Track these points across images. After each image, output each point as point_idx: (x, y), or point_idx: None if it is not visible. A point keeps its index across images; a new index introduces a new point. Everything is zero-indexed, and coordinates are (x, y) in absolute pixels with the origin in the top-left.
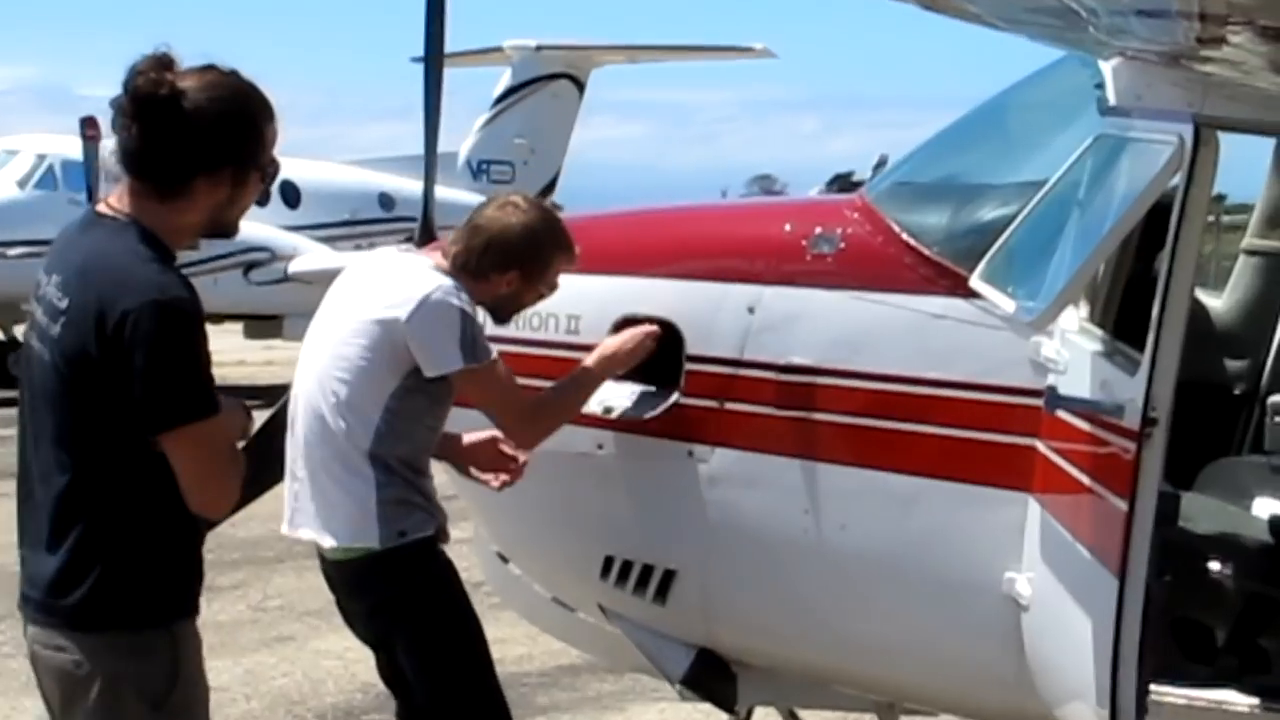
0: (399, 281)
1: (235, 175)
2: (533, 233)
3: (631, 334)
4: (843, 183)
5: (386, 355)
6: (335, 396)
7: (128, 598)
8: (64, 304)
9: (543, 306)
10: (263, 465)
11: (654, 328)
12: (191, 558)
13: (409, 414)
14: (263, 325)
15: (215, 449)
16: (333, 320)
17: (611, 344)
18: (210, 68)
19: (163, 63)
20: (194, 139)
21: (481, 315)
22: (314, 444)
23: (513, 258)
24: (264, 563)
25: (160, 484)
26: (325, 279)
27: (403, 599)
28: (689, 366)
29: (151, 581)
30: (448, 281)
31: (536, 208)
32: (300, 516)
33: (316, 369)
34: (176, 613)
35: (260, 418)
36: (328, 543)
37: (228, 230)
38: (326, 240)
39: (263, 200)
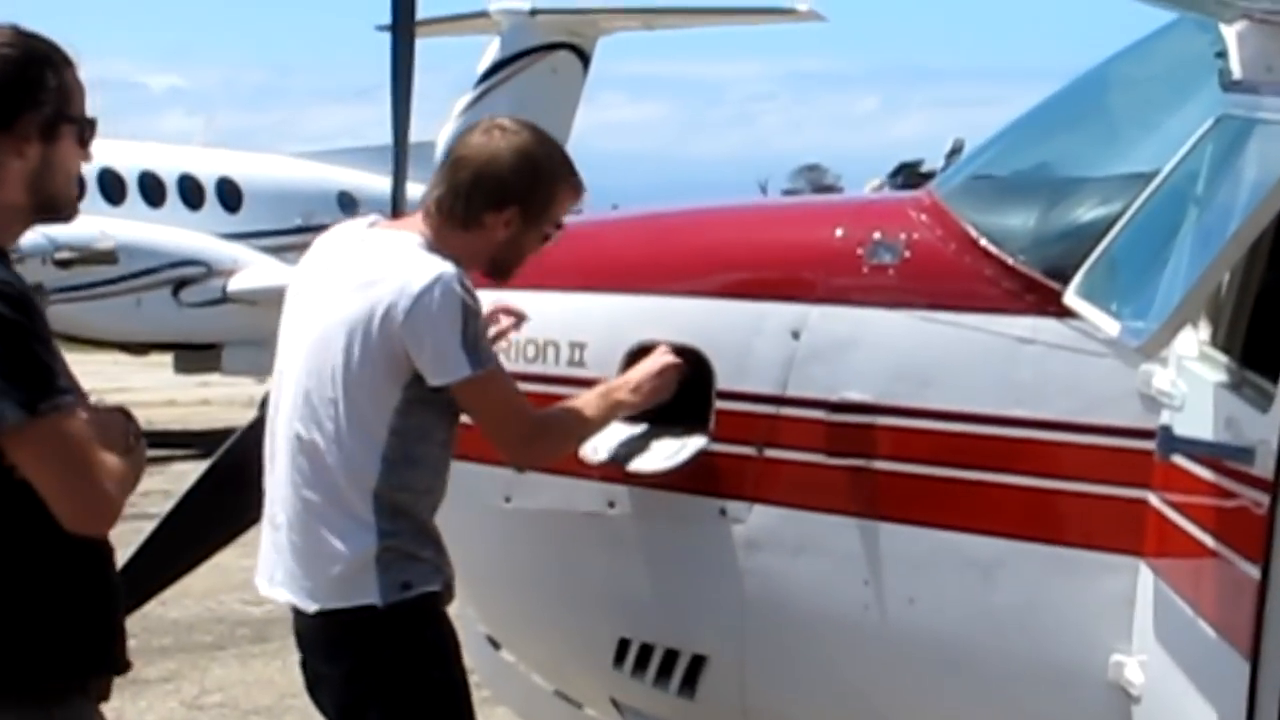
0: (385, 268)
1: (42, 130)
2: (529, 158)
3: (657, 363)
4: (909, 174)
5: (383, 364)
6: (330, 422)
7: None
8: None
9: (540, 333)
10: (224, 508)
11: (676, 359)
12: (79, 612)
13: (419, 432)
14: (197, 356)
15: (72, 445)
16: (307, 325)
17: (634, 373)
18: None
19: None
20: None
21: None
22: (300, 483)
23: (509, 190)
24: (200, 649)
25: (21, 517)
26: (273, 299)
27: (391, 664)
28: (720, 405)
29: (14, 638)
30: (448, 268)
31: (528, 129)
32: (282, 573)
33: (295, 390)
34: (51, 676)
35: (193, 469)
36: (314, 605)
37: (59, 207)
38: (274, 251)
39: (116, 197)
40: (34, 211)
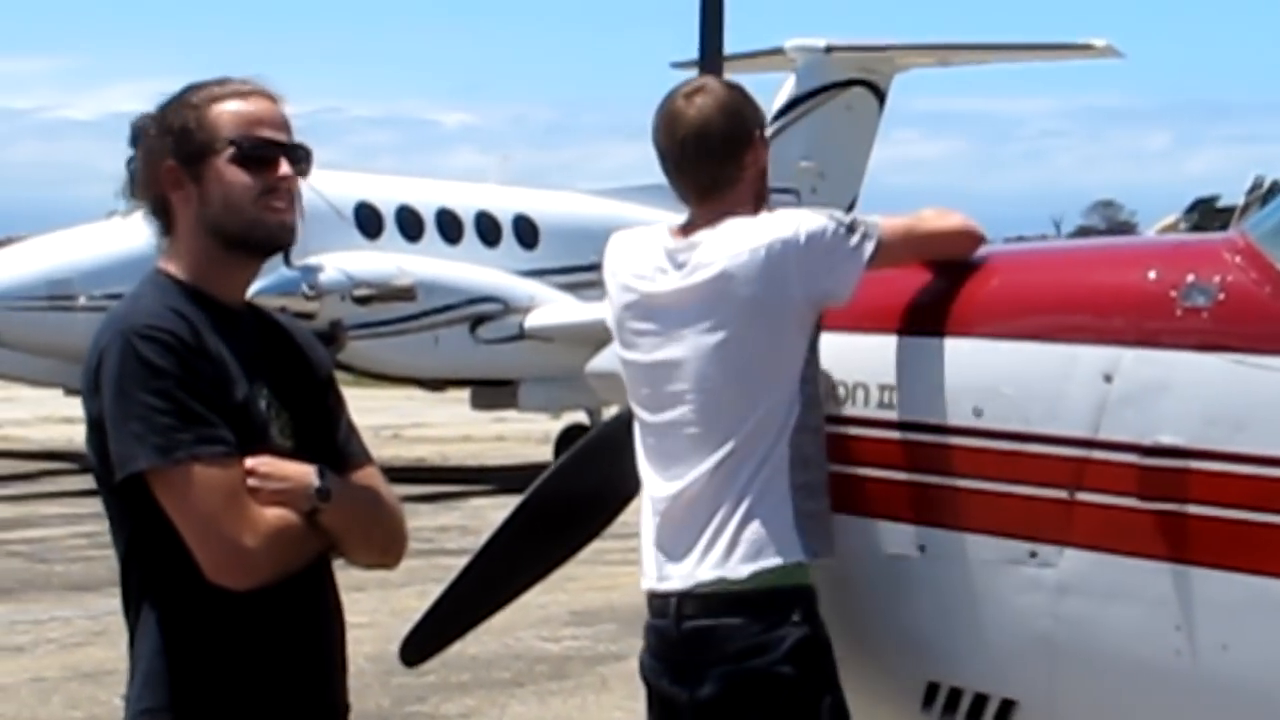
0: (739, 230)
1: (190, 171)
2: (734, 87)
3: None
4: (1205, 210)
5: (786, 308)
6: (737, 393)
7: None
8: None
9: (849, 376)
10: (533, 548)
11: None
12: (222, 670)
13: (816, 375)
14: (493, 392)
15: (206, 493)
16: (662, 322)
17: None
18: None
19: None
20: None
21: None
22: (712, 470)
23: (748, 120)
24: (499, 686)
25: (175, 570)
26: (569, 335)
27: (797, 661)
28: (1028, 448)
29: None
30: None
31: (703, 77)
32: (670, 565)
33: (684, 394)
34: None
35: (489, 505)
36: (713, 573)
37: (230, 233)
38: (570, 287)
39: (414, 234)
40: (221, 248)
